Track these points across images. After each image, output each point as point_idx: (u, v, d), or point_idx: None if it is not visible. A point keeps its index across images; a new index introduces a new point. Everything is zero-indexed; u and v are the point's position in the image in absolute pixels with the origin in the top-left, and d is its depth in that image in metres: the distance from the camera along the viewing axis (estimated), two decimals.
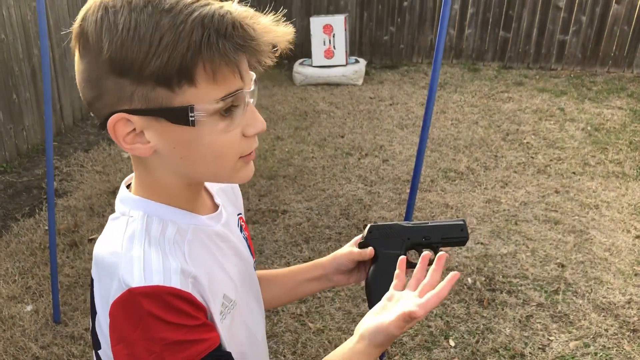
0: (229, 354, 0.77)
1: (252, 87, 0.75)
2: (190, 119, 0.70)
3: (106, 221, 0.83)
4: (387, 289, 0.91)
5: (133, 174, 0.84)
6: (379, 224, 1.04)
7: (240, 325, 0.88)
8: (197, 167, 0.77)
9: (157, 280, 0.70)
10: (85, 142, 4.99)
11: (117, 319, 0.71)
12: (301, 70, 6.46)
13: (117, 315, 0.70)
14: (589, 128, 4.90)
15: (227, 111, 0.73)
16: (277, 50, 0.73)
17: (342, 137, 4.91)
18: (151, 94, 0.70)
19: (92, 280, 0.79)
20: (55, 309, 2.83)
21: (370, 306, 0.93)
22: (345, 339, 2.61)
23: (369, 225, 1.05)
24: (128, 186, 0.85)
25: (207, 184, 0.93)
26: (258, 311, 0.98)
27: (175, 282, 0.71)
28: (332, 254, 1.08)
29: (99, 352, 0.79)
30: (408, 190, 3.94)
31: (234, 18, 0.68)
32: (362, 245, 1.05)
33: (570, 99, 5.60)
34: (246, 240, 0.97)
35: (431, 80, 2.16)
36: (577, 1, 6.54)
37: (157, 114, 0.71)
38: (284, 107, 5.69)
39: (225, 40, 0.67)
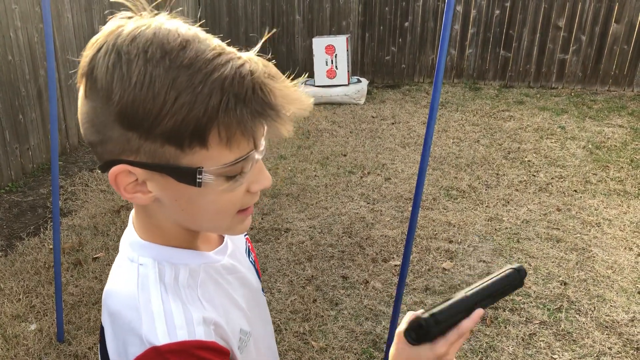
0: None
1: (263, 147, 0.72)
2: (198, 180, 0.68)
3: (110, 240, 0.84)
4: None
5: (134, 213, 0.82)
6: (439, 309, 0.82)
7: (257, 352, 0.89)
8: (196, 220, 0.75)
9: (181, 335, 0.69)
10: (90, 162, 5.03)
11: None
12: (304, 90, 6.52)
13: None
14: (590, 146, 4.92)
15: (235, 175, 0.70)
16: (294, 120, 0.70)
17: (345, 155, 4.94)
18: (159, 150, 0.66)
19: (102, 328, 0.76)
20: (59, 328, 2.83)
21: None
22: (348, 358, 2.62)
23: (426, 316, 0.80)
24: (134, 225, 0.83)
25: None
26: (269, 336, 0.98)
27: (200, 334, 0.70)
28: None
29: None
30: (410, 208, 3.96)
31: (255, 81, 0.64)
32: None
33: (571, 118, 5.64)
34: (253, 264, 0.96)
35: (432, 99, 2.20)
36: (576, 20, 6.62)
37: (163, 170, 0.68)
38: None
39: (244, 106, 0.64)
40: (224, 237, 0.89)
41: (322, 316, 2.92)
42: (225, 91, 0.63)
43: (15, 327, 2.89)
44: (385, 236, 3.64)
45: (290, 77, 0.71)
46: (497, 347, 2.66)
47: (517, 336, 2.72)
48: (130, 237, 0.80)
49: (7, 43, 4.26)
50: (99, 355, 0.78)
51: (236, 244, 0.91)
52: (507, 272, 0.90)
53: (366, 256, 3.42)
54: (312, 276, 3.24)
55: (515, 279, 0.89)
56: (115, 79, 0.64)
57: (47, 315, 2.99)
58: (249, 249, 0.96)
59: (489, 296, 0.87)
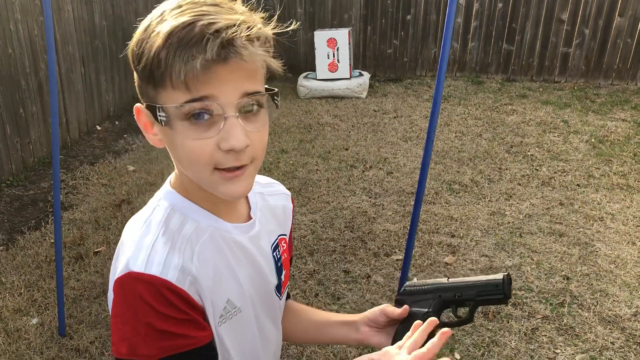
0: (215, 355, 0.81)
1: (237, 102, 0.75)
2: (159, 117, 0.76)
3: (111, 234, 0.89)
4: None
5: None
6: (414, 281, 1.00)
7: (245, 335, 0.89)
8: (181, 168, 0.83)
9: (155, 270, 0.75)
10: (91, 156, 5.02)
11: (116, 295, 0.77)
12: (305, 84, 6.50)
13: (116, 291, 0.77)
14: (593, 140, 4.90)
15: (197, 117, 0.74)
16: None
17: (347, 149, 4.93)
18: (146, 90, 0.78)
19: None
20: (60, 322, 2.83)
21: None
22: (351, 352, 2.61)
23: (405, 284, 1.02)
24: None
25: (252, 197, 0.96)
26: (272, 332, 0.98)
27: (172, 277, 0.76)
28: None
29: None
30: (412, 203, 3.94)
31: (207, 29, 0.71)
32: (396, 303, 1.03)
33: (574, 112, 5.61)
34: (278, 262, 0.97)
35: (435, 93, 2.18)
36: (580, 14, 6.57)
37: (148, 108, 0.79)
38: (289, 120, 5.72)
39: (184, 50, 0.71)
40: (252, 218, 0.93)
41: (324, 310, 2.90)
42: (171, 35, 0.72)
43: (16, 321, 2.89)
44: (387, 230, 3.62)
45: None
46: (499, 342, 2.65)
47: (519, 331, 2.72)
48: (164, 187, 0.89)
49: (7, 36, 4.23)
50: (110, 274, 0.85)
51: (264, 232, 0.94)
52: (490, 279, 0.96)
53: (368, 250, 3.41)
54: (314, 270, 3.23)
55: (494, 290, 0.95)
56: (134, 40, 0.79)
57: (48, 310, 2.98)
58: (277, 245, 0.98)
59: (458, 295, 0.96)
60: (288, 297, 1.11)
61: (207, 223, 0.84)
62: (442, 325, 0.91)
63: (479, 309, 2.86)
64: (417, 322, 0.90)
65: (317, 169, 4.54)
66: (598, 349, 2.59)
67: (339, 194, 4.13)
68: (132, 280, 0.75)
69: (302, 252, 3.41)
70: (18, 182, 4.43)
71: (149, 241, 0.78)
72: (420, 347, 0.85)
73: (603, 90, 6.31)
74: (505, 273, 0.96)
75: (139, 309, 0.74)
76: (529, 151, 4.73)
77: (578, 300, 2.91)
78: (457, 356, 2.58)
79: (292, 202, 1.07)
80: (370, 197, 4.07)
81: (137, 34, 0.78)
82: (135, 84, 0.82)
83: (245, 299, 0.88)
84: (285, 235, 1.01)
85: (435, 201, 3.98)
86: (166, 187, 0.88)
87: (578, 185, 4.13)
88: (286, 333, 1.07)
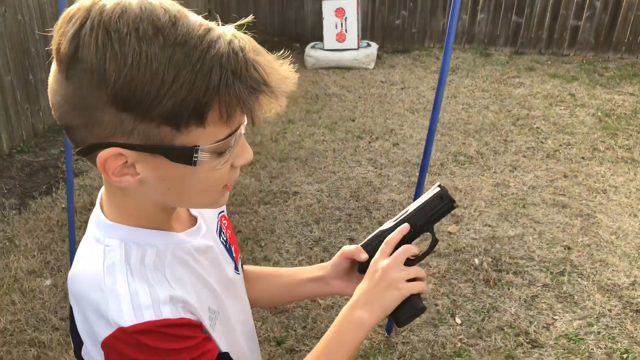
0: (227, 354, 0.81)
1: (246, 122, 0.72)
2: (194, 159, 0.68)
3: None
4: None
5: (103, 192, 0.81)
6: (367, 238, 1.00)
7: (228, 334, 0.91)
8: (181, 199, 0.77)
9: (148, 316, 0.70)
10: None
11: (112, 353, 0.71)
12: (313, 54, 6.48)
13: (111, 350, 0.71)
14: (599, 114, 4.91)
15: (224, 151, 0.72)
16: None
17: (353, 120, 4.95)
18: (153, 131, 0.65)
19: (71, 308, 0.77)
20: None
21: (393, 319, 0.95)
22: None
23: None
24: (101, 205, 0.81)
25: None
26: (241, 312, 0.99)
27: (167, 314, 0.71)
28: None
29: (82, 352, 0.77)
30: (417, 173, 3.99)
31: (246, 57, 0.66)
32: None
33: (581, 85, 5.60)
34: (226, 245, 0.97)
35: (442, 64, 2.20)
36: None
37: (157, 151, 0.67)
38: (296, 91, 5.71)
39: (241, 82, 0.65)
40: (196, 219, 0.89)
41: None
42: (223, 68, 0.63)
43: (31, 282, 2.98)
44: (392, 200, 3.68)
45: (279, 54, 0.71)
46: (499, 308, 2.73)
47: (519, 298, 2.78)
48: (98, 218, 0.79)
49: (17, 2, 4.25)
50: (70, 333, 0.79)
51: (208, 224, 0.91)
52: (431, 197, 0.96)
53: (373, 219, 3.47)
54: (320, 238, 3.30)
55: (439, 203, 0.96)
56: (108, 59, 0.61)
57: (61, 272, 3.07)
58: (220, 228, 0.96)
59: (413, 226, 0.96)
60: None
61: (164, 242, 0.79)
62: (415, 260, 0.95)
63: (480, 275, 2.93)
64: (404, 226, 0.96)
65: (323, 140, 4.58)
66: (595, 316, 2.66)
67: (345, 164, 4.18)
68: (128, 336, 0.69)
69: (308, 220, 3.47)
70: (28, 148, 4.49)
71: (123, 288, 0.71)
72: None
73: (612, 64, 6.27)
74: (437, 184, 0.98)
75: (147, 357, 0.70)
76: (534, 124, 4.75)
77: (578, 269, 2.97)
78: (458, 321, 2.66)
79: None
80: (376, 168, 4.11)
81: (117, 63, 0.61)
82: (100, 122, 0.65)
83: (219, 300, 0.88)
84: (223, 211, 1.00)
85: (441, 172, 4.03)
86: (103, 223, 0.78)
87: (583, 158, 4.16)
88: (254, 301, 1.06)
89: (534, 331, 2.57)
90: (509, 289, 2.84)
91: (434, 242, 0.98)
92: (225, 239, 0.97)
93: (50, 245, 3.28)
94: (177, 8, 0.67)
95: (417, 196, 2.50)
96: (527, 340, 2.53)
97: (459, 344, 2.53)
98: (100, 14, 0.63)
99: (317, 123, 4.91)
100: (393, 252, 0.93)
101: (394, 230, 0.96)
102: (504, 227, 3.35)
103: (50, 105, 0.70)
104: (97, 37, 0.62)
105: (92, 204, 3.81)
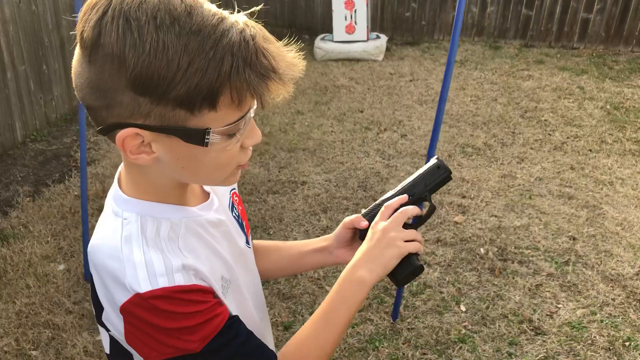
0: (238, 318, 0.86)
1: (255, 105, 0.77)
2: (206, 140, 0.73)
3: None
4: (399, 262, 0.97)
5: (122, 169, 0.87)
6: (368, 208, 1.06)
7: (239, 302, 0.96)
8: (195, 176, 0.82)
9: (162, 282, 0.76)
10: None
11: (132, 319, 0.77)
12: (322, 46, 6.51)
13: (130, 317, 0.76)
14: (608, 106, 4.91)
15: (235, 133, 0.77)
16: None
17: (362, 112, 4.99)
18: (169, 114, 0.71)
19: (91, 276, 0.83)
20: (86, 268, 2.99)
21: (392, 279, 0.99)
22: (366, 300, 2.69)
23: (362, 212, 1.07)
24: (119, 182, 0.87)
25: None
26: (252, 284, 1.05)
27: (179, 280, 0.77)
28: None
29: (102, 318, 0.83)
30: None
31: (257, 45, 0.70)
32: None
33: (590, 78, 5.59)
34: (238, 219, 1.02)
35: (449, 55, 2.24)
36: None
37: (172, 132, 0.73)
38: (305, 82, 5.77)
39: (251, 69, 0.69)
40: (209, 194, 0.94)
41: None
42: (235, 56, 0.68)
43: (45, 267, 3.05)
44: None
45: (287, 42, 0.76)
46: (504, 296, 2.76)
47: (524, 286, 2.82)
48: (116, 193, 0.85)
49: None
50: (91, 301, 0.85)
51: (221, 199, 0.97)
52: (429, 167, 1.03)
53: None
54: (327, 227, 3.35)
55: (437, 174, 1.03)
56: (128, 45, 0.66)
57: (74, 257, 3.14)
58: (232, 204, 1.02)
59: (411, 195, 1.02)
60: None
61: (178, 216, 0.85)
62: (414, 225, 1.00)
63: (486, 264, 2.97)
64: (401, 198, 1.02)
65: (332, 131, 4.62)
66: (599, 305, 2.69)
67: (353, 155, 4.22)
68: (144, 301, 0.75)
69: (316, 209, 3.52)
70: (42, 137, 4.57)
71: (139, 257, 0.77)
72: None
73: (622, 57, 6.25)
74: (435, 157, 1.05)
75: (164, 322, 0.76)
76: (543, 116, 4.76)
77: (583, 259, 3.00)
78: (463, 308, 2.70)
79: None
80: (383, 159, 4.15)
81: (136, 50, 0.66)
82: (119, 104, 0.70)
83: (231, 270, 0.93)
84: (234, 188, 1.05)
85: (448, 163, 4.05)
86: (121, 198, 0.84)
87: (590, 150, 4.18)
88: (263, 272, 1.12)
89: (538, 319, 2.61)
90: (513, 278, 2.88)
91: (432, 208, 1.02)
92: (237, 214, 1.03)
93: (64, 232, 3.35)
94: None
95: None
96: (531, 328, 2.57)
97: (463, 331, 2.57)
98: (121, 3, 0.68)
99: (326, 114, 4.95)
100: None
101: (397, 195, 1.03)
102: (510, 217, 3.38)
103: (74, 86, 0.76)
104: (117, 25, 0.67)
105: (104, 192, 3.88)
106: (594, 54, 6.38)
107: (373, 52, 6.39)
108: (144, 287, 0.75)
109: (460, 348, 2.48)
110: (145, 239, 0.80)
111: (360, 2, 6.36)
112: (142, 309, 0.76)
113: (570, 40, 6.80)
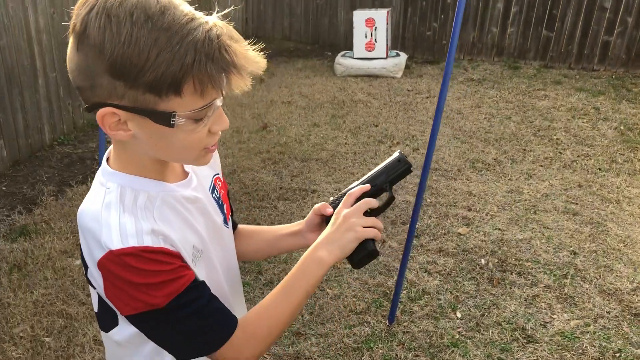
0: (203, 282, 0.95)
1: (222, 95, 0.88)
2: (172, 122, 0.84)
3: None
4: (356, 246, 1.07)
5: (112, 148, 0.99)
6: (335, 197, 1.16)
7: (210, 271, 1.07)
8: (167, 154, 0.93)
9: (132, 242, 0.87)
10: None
11: (105, 273, 0.88)
12: (342, 62, 6.67)
13: (104, 271, 0.88)
14: (622, 127, 4.93)
15: (202, 118, 0.87)
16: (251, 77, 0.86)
17: (376, 126, 5.10)
18: (140, 97, 0.82)
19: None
20: None
21: (349, 261, 1.10)
22: (359, 306, 2.92)
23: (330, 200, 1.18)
24: (108, 159, 0.99)
25: None
26: (227, 261, 1.16)
27: (148, 242, 0.88)
28: None
29: (88, 275, 0.95)
30: (435, 177, 4.11)
31: (221, 43, 0.81)
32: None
33: (607, 99, 5.62)
34: (218, 201, 1.12)
35: (447, 61, 2.35)
36: (623, 2, 6.50)
37: (142, 113, 0.84)
38: (323, 96, 5.92)
39: (213, 63, 0.80)
40: (189, 173, 1.06)
41: (339, 268, 3.13)
42: (197, 51, 0.79)
43: (63, 261, 3.22)
44: (407, 201, 3.81)
45: (250, 42, 0.88)
46: (500, 305, 2.82)
47: (520, 297, 2.88)
48: (103, 167, 0.97)
49: (65, 4, 4.56)
50: (81, 260, 0.97)
51: (201, 180, 1.08)
52: (390, 161, 1.12)
53: (386, 218, 3.60)
54: None
55: (397, 166, 1.11)
56: (106, 37, 0.79)
57: None
58: (213, 186, 1.13)
59: (373, 185, 1.11)
60: (235, 225, 1.26)
61: (156, 190, 0.96)
62: (374, 213, 1.10)
63: (485, 274, 3.03)
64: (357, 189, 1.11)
65: (345, 143, 4.74)
66: (593, 317, 2.73)
67: (364, 166, 4.33)
68: (116, 257, 0.86)
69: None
70: (68, 141, 4.79)
71: (114, 220, 0.88)
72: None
73: None
74: (397, 151, 1.13)
75: (133, 277, 0.86)
76: (555, 135, 4.81)
77: (581, 273, 3.05)
78: (459, 315, 2.77)
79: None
80: None
81: (115, 42, 0.79)
82: (99, 85, 0.83)
83: (204, 243, 1.03)
84: (218, 174, 1.17)
85: (457, 177, 4.13)
86: (107, 170, 0.96)
87: (600, 169, 4.21)
88: (242, 254, 1.23)
89: (531, 328, 2.67)
90: (511, 288, 2.94)
91: (391, 199, 1.12)
92: (218, 195, 1.15)
93: None
94: (170, 0, 0.84)
95: (419, 197, 2.65)
96: (523, 336, 2.62)
97: (457, 336, 2.64)
98: (106, 1, 0.81)
99: (341, 127, 5.07)
100: (354, 204, 1.09)
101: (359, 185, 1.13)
102: (513, 231, 3.44)
103: (68, 70, 0.89)
104: (100, 20, 0.80)
105: None
106: (613, 76, 6.40)
107: (392, 69, 6.52)
108: (116, 245, 0.86)
109: (453, 352, 2.55)
110: (123, 206, 0.91)
111: (380, 20, 6.52)
112: (114, 264, 0.87)
113: (590, 62, 6.83)
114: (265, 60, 0.89)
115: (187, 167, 1.08)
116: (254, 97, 5.88)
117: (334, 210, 1.11)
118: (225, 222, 1.15)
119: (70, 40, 0.86)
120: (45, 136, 4.60)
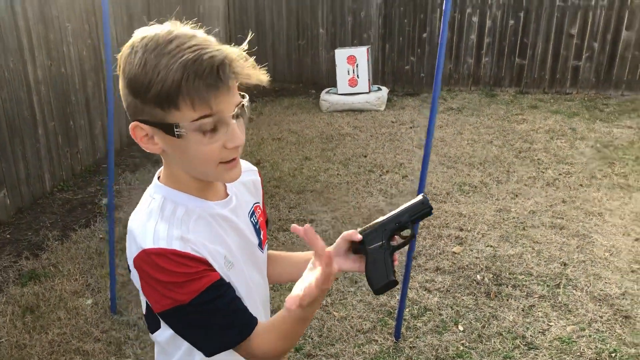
0: (229, 284, 1.02)
1: (234, 112, 0.97)
2: (176, 133, 0.95)
3: None
4: (379, 275, 1.15)
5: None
6: (366, 226, 1.20)
7: (240, 282, 1.15)
8: (189, 166, 1.03)
9: (162, 244, 0.98)
10: (131, 164, 5.49)
11: (139, 270, 0.99)
12: (327, 98, 6.92)
13: (138, 268, 0.99)
14: (598, 145, 5.20)
15: (212, 130, 0.96)
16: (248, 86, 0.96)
17: (365, 156, 5.30)
18: (152, 111, 0.95)
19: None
20: (112, 301, 3.24)
21: (371, 287, 1.16)
22: (365, 326, 3.09)
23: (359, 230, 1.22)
24: (159, 177, 1.11)
25: None
26: (260, 280, 1.22)
27: (176, 246, 0.98)
28: None
29: (131, 276, 1.05)
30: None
31: (213, 62, 0.91)
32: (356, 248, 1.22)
33: (582, 120, 5.91)
34: (256, 225, 1.20)
35: (433, 99, 2.56)
36: (588, 28, 6.89)
37: (156, 126, 0.97)
38: (312, 131, 6.13)
39: (200, 80, 0.90)
40: (229, 194, 1.15)
41: (343, 292, 3.27)
42: (187, 69, 0.90)
43: (74, 301, 3.31)
44: None
45: (253, 61, 0.97)
46: (499, 316, 2.98)
47: (517, 307, 3.03)
48: (154, 180, 1.10)
49: (61, 57, 4.75)
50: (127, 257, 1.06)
51: (241, 204, 1.17)
52: (415, 202, 1.21)
53: None
54: None
55: (421, 208, 1.20)
56: (126, 63, 0.96)
57: (100, 292, 3.40)
58: (252, 212, 1.21)
59: (398, 222, 1.18)
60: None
61: (195, 205, 1.06)
62: (397, 247, 1.20)
63: (482, 289, 3.18)
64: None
65: (337, 174, 4.93)
66: (587, 322, 2.89)
67: (357, 195, 4.50)
68: (146, 255, 0.97)
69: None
70: (68, 187, 4.91)
71: (151, 225, 1.00)
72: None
73: (613, 100, 6.59)
74: (422, 193, 1.22)
75: (161, 276, 0.97)
76: (536, 156, 5.05)
77: (573, 282, 3.22)
78: (461, 328, 2.91)
79: (260, 175, 1.31)
80: (386, 198, 4.43)
81: (131, 66, 0.94)
82: (129, 105, 0.98)
83: (235, 257, 1.11)
84: (258, 203, 1.25)
85: (447, 200, 4.33)
86: (155, 183, 1.08)
87: (581, 185, 4.44)
88: (274, 277, 1.32)
89: (531, 335, 2.82)
90: (508, 300, 3.10)
91: (412, 236, 1.24)
92: (256, 221, 1.22)
93: (91, 270, 3.62)
94: (188, 32, 0.96)
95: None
96: (524, 343, 2.77)
97: (461, 348, 2.78)
98: (134, 38, 0.98)
99: (332, 159, 5.27)
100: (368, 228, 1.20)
101: (387, 220, 1.21)
102: (504, 247, 3.62)
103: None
104: (127, 50, 0.98)
105: (126, 234, 4.17)
106: (585, 98, 6.72)
107: (375, 103, 6.78)
108: (148, 245, 0.98)
109: None
110: (162, 215, 1.03)
111: (361, 57, 6.81)
112: (145, 263, 0.98)
113: (562, 86, 7.18)
114: (267, 76, 1.01)
115: (230, 190, 1.19)
116: (245, 135, 6.05)
117: (362, 238, 1.19)
118: (261, 246, 1.22)
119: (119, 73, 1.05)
120: (46, 183, 4.72)
